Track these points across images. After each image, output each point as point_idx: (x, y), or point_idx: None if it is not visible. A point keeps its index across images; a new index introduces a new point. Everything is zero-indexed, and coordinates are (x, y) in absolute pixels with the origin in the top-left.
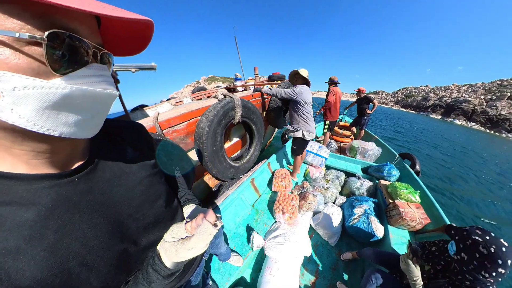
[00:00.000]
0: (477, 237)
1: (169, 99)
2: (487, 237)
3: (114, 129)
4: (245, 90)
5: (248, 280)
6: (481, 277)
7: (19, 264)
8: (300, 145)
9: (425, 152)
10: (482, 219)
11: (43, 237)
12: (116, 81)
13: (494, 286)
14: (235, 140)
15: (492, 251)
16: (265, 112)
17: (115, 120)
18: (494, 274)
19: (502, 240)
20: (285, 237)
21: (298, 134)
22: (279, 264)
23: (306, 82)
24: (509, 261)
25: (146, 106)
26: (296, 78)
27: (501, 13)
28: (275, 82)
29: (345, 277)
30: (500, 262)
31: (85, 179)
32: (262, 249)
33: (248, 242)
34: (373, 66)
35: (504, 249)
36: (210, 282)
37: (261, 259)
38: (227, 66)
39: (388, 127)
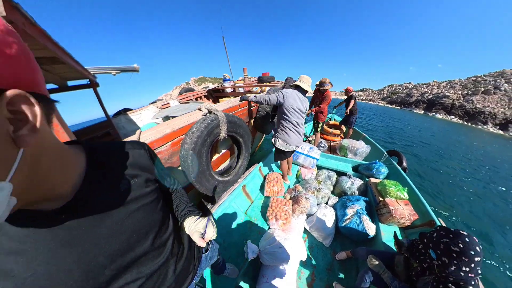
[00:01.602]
0: (444, 239)
1: (154, 102)
2: (451, 235)
3: (108, 157)
4: (234, 91)
5: None
6: (462, 274)
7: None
8: (278, 153)
9: (406, 147)
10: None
11: (32, 264)
12: (95, 85)
13: (477, 280)
14: (223, 151)
15: (462, 246)
16: (252, 120)
17: (113, 145)
18: (473, 265)
19: (461, 231)
20: (279, 243)
21: (274, 142)
22: (275, 271)
23: (301, 90)
24: (477, 248)
25: (130, 109)
26: (295, 86)
27: (474, 14)
28: (264, 83)
29: (341, 276)
30: (473, 252)
31: (73, 215)
32: (257, 258)
33: (243, 251)
34: (360, 64)
35: (467, 239)
36: None
37: (257, 267)
38: (217, 66)
39: (378, 124)
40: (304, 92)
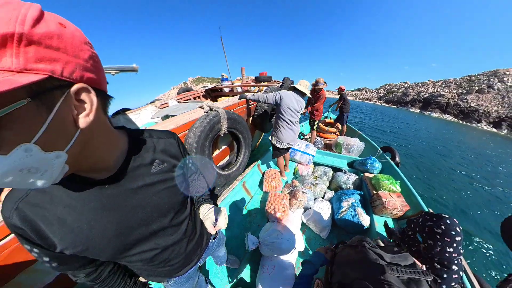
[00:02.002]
0: (428, 223)
1: (153, 102)
2: (434, 219)
3: (145, 142)
4: (232, 90)
5: (247, 279)
6: (447, 254)
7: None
8: (274, 150)
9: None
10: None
11: (80, 218)
12: None
13: (460, 258)
14: (223, 147)
15: (444, 228)
16: (251, 118)
17: (151, 133)
18: (455, 245)
19: (443, 215)
20: (278, 235)
21: (271, 139)
22: (274, 262)
23: (298, 91)
24: (458, 228)
25: (129, 109)
26: (293, 88)
27: (467, 13)
28: (262, 83)
29: None
30: (454, 233)
31: (114, 186)
32: (257, 249)
33: (244, 243)
34: (356, 64)
35: (448, 221)
36: (209, 287)
37: (257, 258)
38: (215, 66)
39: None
40: (301, 94)
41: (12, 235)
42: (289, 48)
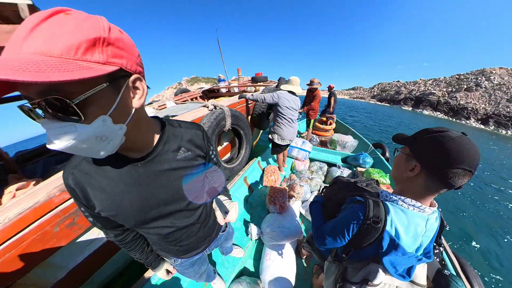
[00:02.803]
0: None
1: (150, 103)
2: None
3: (175, 131)
4: (228, 91)
5: (251, 269)
6: None
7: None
8: (274, 146)
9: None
10: None
11: (115, 188)
12: None
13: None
14: (225, 144)
15: None
16: (249, 116)
17: (180, 123)
18: None
19: None
20: (278, 224)
21: (271, 137)
22: (276, 250)
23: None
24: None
25: None
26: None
27: (456, 14)
28: (258, 83)
29: None
30: None
31: (144, 165)
32: (260, 239)
33: (247, 234)
34: (351, 64)
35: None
36: (217, 276)
37: (260, 248)
38: (210, 66)
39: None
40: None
41: (29, 229)
42: (284, 48)
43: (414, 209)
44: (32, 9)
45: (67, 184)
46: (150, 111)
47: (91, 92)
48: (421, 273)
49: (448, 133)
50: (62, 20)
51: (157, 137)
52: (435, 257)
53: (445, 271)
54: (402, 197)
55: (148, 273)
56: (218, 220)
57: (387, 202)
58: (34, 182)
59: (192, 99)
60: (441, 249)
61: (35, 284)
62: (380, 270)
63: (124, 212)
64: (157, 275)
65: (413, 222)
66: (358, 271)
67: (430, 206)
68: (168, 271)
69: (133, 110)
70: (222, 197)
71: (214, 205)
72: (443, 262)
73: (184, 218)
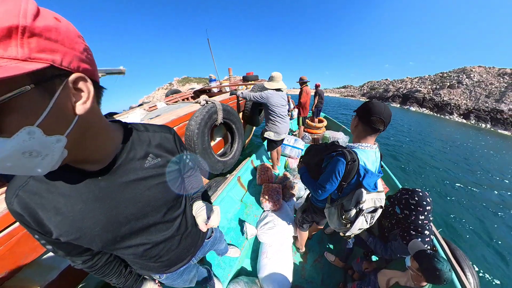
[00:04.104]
0: (405, 196)
1: (141, 105)
2: (410, 192)
3: (140, 136)
4: (220, 91)
5: (248, 268)
6: (420, 221)
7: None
8: (270, 143)
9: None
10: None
11: (73, 208)
12: None
13: (431, 224)
14: (218, 139)
15: (417, 199)
16: (241, 113)
17: (146, 127)
18: (426, 213)
19: (416, 189)
20: (274, 222)
21: (266, 135)
22: (273, 247)
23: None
24: (428, 199)
25: (115, 113)
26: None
27: (438, 15)
28: (249, 82)
29: (330, 246)
30: (425, 203)
31: (106, 178)
32: (256, 238)
33: (242, 233)
34: (341, 62)
35: (420, 194)
36: (213, 278)
37: (256, 247)
38: (201, 66)
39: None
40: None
41: (17, 224)
42: (275, 47)
43: (366, 147)
44: None
45: (12, 209)
46: (141, 113)
47: (4, 98)
48: (379, 183)
49: (371, 101)
50: None
51: (118, 144)
52: (425, 244)
53: (428, 250)
54: (359, 144)
55: None
56: (200, 227)
57: (353, 149)
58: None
59: (183, 100)
60: (432, 236)
61: (25, 287)
62: (363, 190)
63: (88, 234)
64: None
65: (370, 155)
66: (350, 200)
67: (373, 144)
68: None
69: (76, 117)
70: (201, 203)
71: (195, 211)
72: (434, 248)
73: (160, 231)
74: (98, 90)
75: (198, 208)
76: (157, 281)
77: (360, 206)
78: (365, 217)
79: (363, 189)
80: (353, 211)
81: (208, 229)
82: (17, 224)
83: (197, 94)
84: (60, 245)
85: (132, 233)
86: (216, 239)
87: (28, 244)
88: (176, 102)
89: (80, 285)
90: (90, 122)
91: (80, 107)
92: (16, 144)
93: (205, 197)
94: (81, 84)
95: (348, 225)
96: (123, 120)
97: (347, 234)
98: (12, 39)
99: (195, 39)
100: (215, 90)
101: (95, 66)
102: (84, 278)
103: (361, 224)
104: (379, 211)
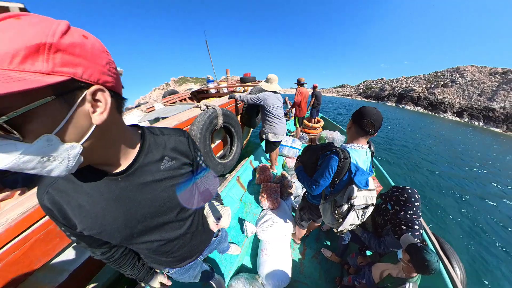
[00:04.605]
0: (395, 193)
1: (138, 106)
2: (400, 190)
3: (157, 139)
4: (218, 92)
5: (249, 265)
6: (409, 216)
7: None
8: (269, 145)
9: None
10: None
11: (94, 206)
12: None
13: (420, 219)
14: (217, 142)
15: (406, 196)
16: (239, 116)
17: (163, 130)
18: (414, 208)
19: (406, 187)
20: (272, 220)
21: (265, 137)
22: (272, 245)
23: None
24: (416, 196)
25: None
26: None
27: (432, 15)
28: (247, 84)
29: (327, 243)
30: (413, 199)
31: (125, 179)
32: (255, 236)
33: (242, 232)
34: (338, 62)
35: (409, 191)
36: (216, 275)
37: (256, 244)
38: (198, 66)
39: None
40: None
41: (31, 229)
42: (272, 48)
43: (358, 148)
44: (24, 12)
45: (43, 204)
46: (138, 114)
47: (27, 108)
48: (371, 182)
49: (365, 106)
50: (7, 26)
51: (137, 148)
52: (415, 238)
53: (418, 243)
54: (351, 144)
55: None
56: (211, 227)
57: (346, 148)
58: (19, 192)
59: (181, 101)
60: (422, 231)
61: None
62: (354, 187)
63: (108, 229)
64: None
65: (361, 154)
66: (343, 196)
67: (365, 145)
68: (162, 284)
69: (93, 126)
70: (214, 203)
71: (206, 211)
72: (424, 242)
73: (174, 229)
74: (120, 101)
75: (210, 208)
76: (165, 275)
77: (352, 201)
78: (356, 213)
79: (354, 186)
80: (345, 206)
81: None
82: (31, 229)
83: (194, 94)
84: (83, 238)
85: (148, 230)
86: (222, 237)
87: (41, 247)
88: (174, 103)
89: (89, 287)
90: (108, 130)
91: (97, 117)
92: (36, 149)
93: (217, 199)
94: (99, 95)
95: (341, 220)
96: None
97: (340, 229)
98: (40, 55)
99: (191, 38)
100: (213, 91)
101: (117, 79)
102: (91, 279)
103: (353, 219)
104: (371, 208)
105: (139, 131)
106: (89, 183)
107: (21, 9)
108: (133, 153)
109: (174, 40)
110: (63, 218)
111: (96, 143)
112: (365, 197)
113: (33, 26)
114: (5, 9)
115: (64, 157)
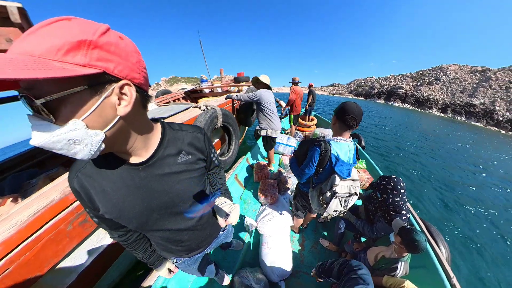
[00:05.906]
0: (383, 182)
1: None
2: (386, 179)
3: (176, 134)
4: (212, 91)
5: (251, 260)
6: (396, 203)
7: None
8: (268, 141)
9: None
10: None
11: (117, 191)
12: None
13: (407, 205)
14: (215, 140)
15: (392, 184)
16: (235, 115)
17: (181, 126)
18: (400, 195)
19: (392, 176)
20: (272, 214)
21: (264, 133)
22: (272, 238)
23: (266, 86)
24: (402, 184)
25: None
26: (258, 83)
27: (418, 15)
28: (240, 83)
29: (325, 233)
30: (399, 187)
31: (145, 169)
32: (256, 230)
33: (244, 228)
34: (329, 61)
35: (395, 179)
36: (220, 271)
37: (257, 239)
38: (189, 65)
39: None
40: (269, 88)
41: (43, 229)
42: (265, 47)
43: (341, 141)
44: (22, 12)
45: (73, 187)
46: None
47: (62, 94)
48: (354, 173)
49: (345, 102)
50: (60, 25)
51: (157, 141)
52: (404, 222)
53: (408, 226)
54: (335, 137)
55: (153, 276)
56: (220, 222)
57: (329, 141)
58: (11, 199)
59: (174, 101)
60: (409, 215)
61: None
62: (336, 176)
63: (126, 215)
64: (159, 274)
65: (343, 147)
66: (327, 184)
67: (348, 138)
68: (170, 270)
69: (117, 117)
70: (223, 199)
71: (216, 207)
72: (412, 225)
73: (184, 221)
74: (145, 97)
75: (220, 204)
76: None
77: (334, 189)
78: (339, 200)
79: (336, 175)
80: (328, 194)
81: None
82: (43, 229)
83: (188, 94)
84: (104, 220)
85: (162, 219)
86: (229, 232)
87: (52, 248)
88: (167, 103)
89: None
90: (131, 122)
91: (122, 109)
92: (65, 132)
93: (227, 195)
94: (126, 89)
95: (325, 205)
96: None
97: (324, 214)
98: (80, 49)
99: (183, 37)
100: (207, 90)
101: (145, 77)
102: (98, 280)
103: (336, 205)
104: (354, 197)
105: (160, 126)
106: (113, 170)
107: (19, 8)
108: (154, 145)
109: (164, 39)
110: (88, 201)
111: (118, 133)
112: (349, 186)
113: (79, 26)
114: (3, 8)
115: (88, 142)
